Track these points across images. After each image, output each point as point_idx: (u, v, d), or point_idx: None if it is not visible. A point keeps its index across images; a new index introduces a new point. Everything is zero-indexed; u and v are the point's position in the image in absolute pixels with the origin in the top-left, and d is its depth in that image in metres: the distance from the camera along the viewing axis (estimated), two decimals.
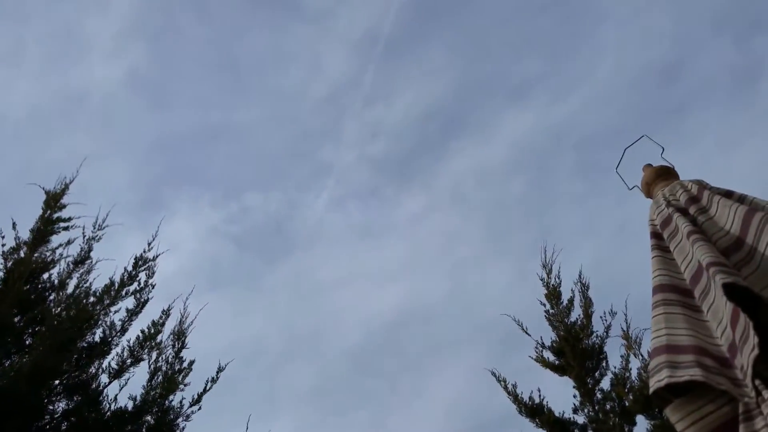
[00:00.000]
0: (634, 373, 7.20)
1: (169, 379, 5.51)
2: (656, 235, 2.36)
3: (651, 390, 1.62)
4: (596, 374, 7.48)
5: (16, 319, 5.86)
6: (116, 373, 5.50)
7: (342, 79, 18.57)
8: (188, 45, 17.57)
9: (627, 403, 6.92)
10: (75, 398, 5.56)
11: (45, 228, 6.12)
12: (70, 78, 16.64)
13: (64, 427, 5.60)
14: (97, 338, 5.88)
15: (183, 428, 5.51)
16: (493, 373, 7.66)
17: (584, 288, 7.91)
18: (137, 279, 6.10)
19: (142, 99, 17.99)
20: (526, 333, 7.90)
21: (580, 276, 7.97)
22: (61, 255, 6.11)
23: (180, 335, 6.04)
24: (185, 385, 5.50)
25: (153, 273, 6.17)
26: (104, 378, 5.52)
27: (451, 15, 17.75)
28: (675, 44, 16.69)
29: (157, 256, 6.26)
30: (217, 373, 5.97)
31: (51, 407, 5.37)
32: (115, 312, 5.96)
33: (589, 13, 16.90)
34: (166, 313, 5.87)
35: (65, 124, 16.72)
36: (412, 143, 19.49)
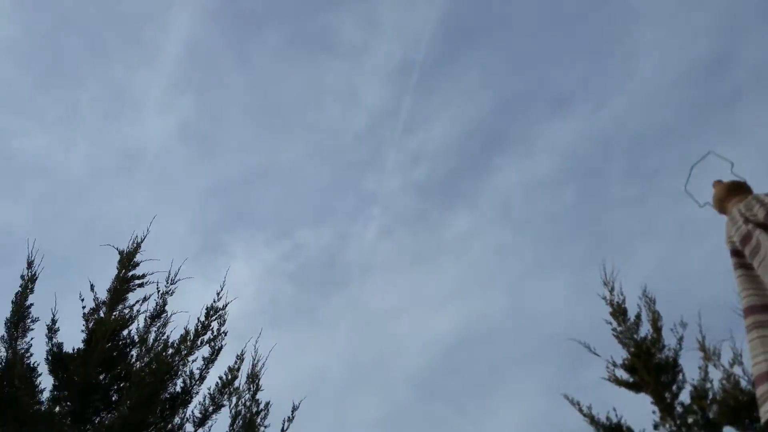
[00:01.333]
0: (716, 384, 6.99)
1: (249, 422, 5.65)
2: (737, 253, 2.35)
3: (762, 421, 1.63)
4: (673, 388, 7.29)
5: (101, 377, 6.12)
6: (200, 422, 5.68)
7: (380, 109, 18.86)
8: (232, 93, 18.20)
9: (711, 415, 6.72)
10: None
11: (121, 287, 6.41)
12: (126, 135, 17.43)
13: None
14: (178, 388, 6.09)
15: None
16: (566, 396, 7.55)
17: (650, 302, 7.76)
18: (210, 328, 6.31)
19: (194, 149, 18.64)
20: (595, 354, 7.77)
21: (644, 291, 7.82)
22: (138, 311, 6.38)
23: (254, 378, 6.19)
24: (266, 428, 5.63)
25: (224, 321, 6.38)
26: (189, 427, 5.71)
27: (483, 34, 17.89)
28: (719, 37, 16.38)
29: (226, 305, 6.48)
30: (293, 412, 6.08)
31: None
32: (193, 361, 6.17)
33: (624, 16, 16.78)
34: (240, 359, 6.05)
35: (124, 180, 17.45)
36: (454, 164, 19.56)
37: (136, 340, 6.30)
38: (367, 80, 18.62)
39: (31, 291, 6.04)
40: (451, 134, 19.08)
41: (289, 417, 6.06)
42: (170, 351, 6.00)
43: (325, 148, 18.75)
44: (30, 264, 6.12)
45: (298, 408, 6.17)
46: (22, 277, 6.07)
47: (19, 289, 6.09)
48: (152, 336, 6.28)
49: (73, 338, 6.30)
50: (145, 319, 6.40)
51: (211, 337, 6.36)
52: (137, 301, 6.46)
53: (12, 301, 5.94)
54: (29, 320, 6.01)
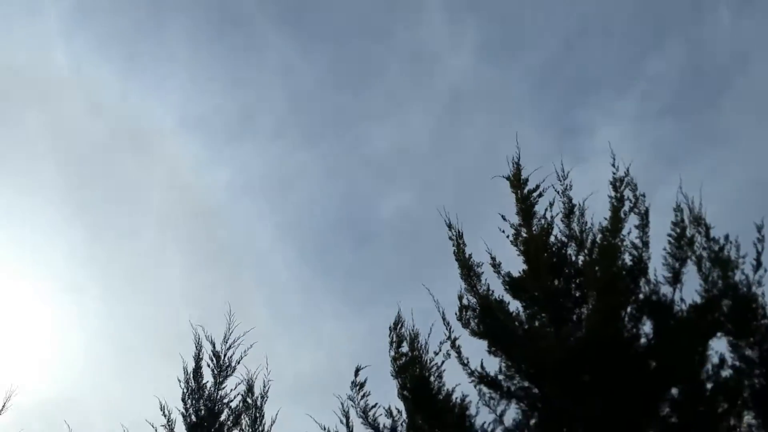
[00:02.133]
0: None
1: (722, 261, 5.46)
2: None
3: None
4: None
5: (555, 283, 6.64)
6: (674, 279, 5.76)
7: None
8: None
9: None
10: (648, 318, 5.98)
11: (525, 205, 6.85)
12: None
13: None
14: (628, 263, 6.23)
15: None
16: None
17: None
18: (626, 198, 6.30)
19: (500, 58, 18.38)
20: None
21: None
22: (552, 216, 6.78)
23: (698, 220, 5.92)
24: (743, 258, 5.34)
25: (635, 186, 6.31)
26: (664, 288, 5.84)
27: None
28: None
29: (627, 170, 6.39)
30: (759, 231, 5.61)
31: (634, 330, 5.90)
32: (628, 233, 6.26)
33: None
34: (678, 209, 5.86)
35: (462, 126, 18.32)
36: None
37: (566, 241, 6.66)
38: None
39: (464, 245, 6.91)
40: None
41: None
42: (606, 234, 6.18)
43: None
44: (450, 226, 7.00)
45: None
46: (450, 238, 6.99)
47: (453, 248, 7.01)
48: (577, 229, 6.55)
49: (510, 265, 6.98)
50: (561, 220, 6.73)
51: (631, 205, 6.33)
52: (545, 209, 6.82)
53: (456, 260, 6.89)
54: (476, 267, 6.87)
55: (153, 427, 8.35)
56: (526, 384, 6.49)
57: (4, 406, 8.35)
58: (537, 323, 6.67)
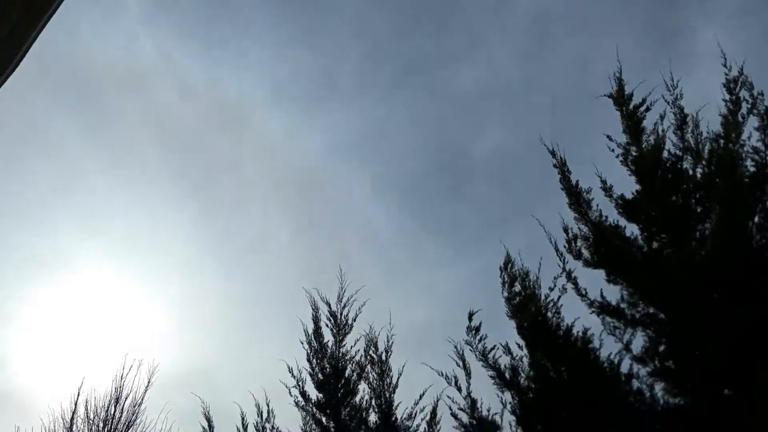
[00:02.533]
0: None
1: None
2: None
3: None
4: None
5: (672, 199, 6.25)
6: None
7: None
8: None
9: None
10: None
11: (631, 121, 6.48)
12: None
13: None
14: (750, 170, 5.76)
15: None
16: None
17: None
18: (742, 100, 5.80)
19: None
20: None
21: None
22: (663, 130, 6.33)
23: None
24: None
25: (751, 85, 5.80)
26: None
27: None
28: None
29: (741, 70, 5.88)
30: None
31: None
32: (748, 138, 5.76)
33: None
34: None
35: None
36: None
37: (680, 154, 6.23)
38: None
39: (569, 172, 6.64)
40: None
41: None
42: (722, 141, 5.73)
43: None
44: (553, 153, 6.77)
45: None
46: (554, 166, 6.75)
47: (559, 176, 6.77)
48: (692, 140, 6.10)
49: (621, 187, 6.61)
50: (674, 132, 6.31)
51: (748, 107, 5.83)
52: (654, 123, 6.40)
53: (562, 188, 6.64)
54: (584, 193, 6.59)
55: (287, 387, 8.82)
56: (652, 310, 6.22)
57: (149, 382, 9.10)
58: (656, 245, 6.33)
